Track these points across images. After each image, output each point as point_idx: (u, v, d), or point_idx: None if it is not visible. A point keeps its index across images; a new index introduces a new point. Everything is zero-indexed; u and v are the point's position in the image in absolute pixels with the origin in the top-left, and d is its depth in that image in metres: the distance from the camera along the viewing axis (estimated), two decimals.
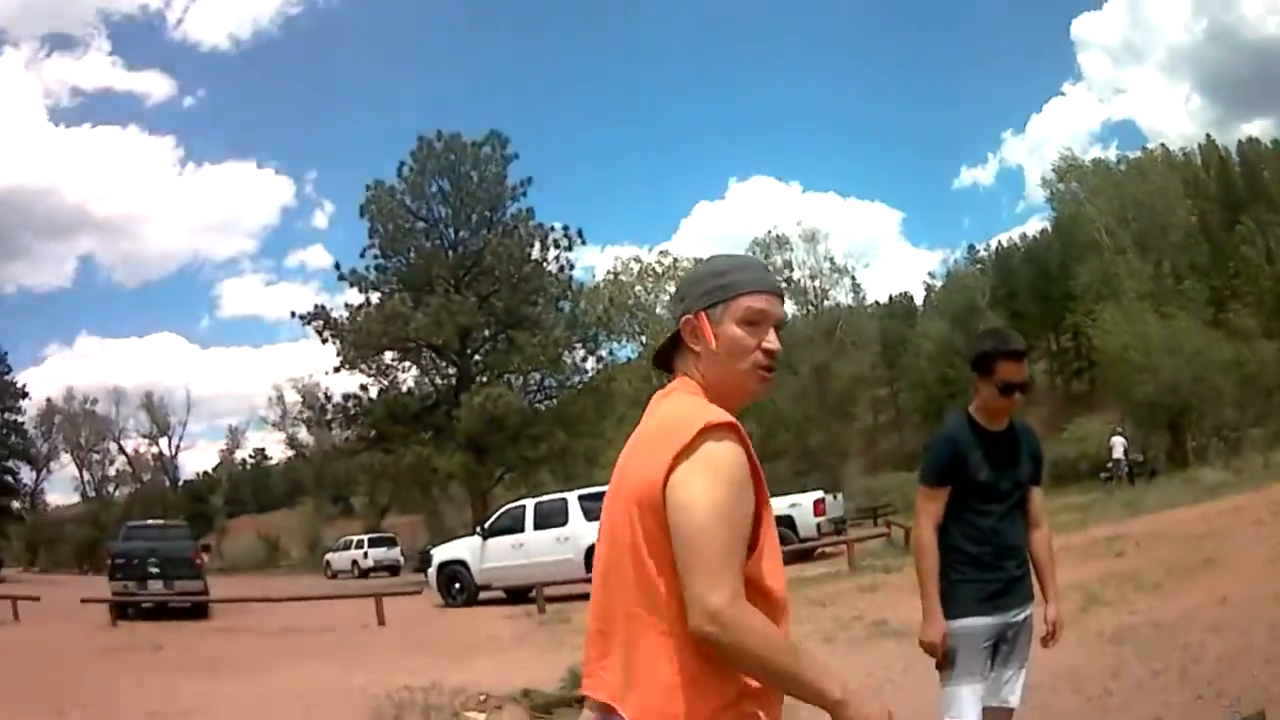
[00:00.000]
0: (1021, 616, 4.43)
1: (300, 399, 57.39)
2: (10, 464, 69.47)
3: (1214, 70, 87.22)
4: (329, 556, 55.48)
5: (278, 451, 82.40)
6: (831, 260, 62.92)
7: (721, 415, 2.16)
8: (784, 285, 60.50)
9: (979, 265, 74.25)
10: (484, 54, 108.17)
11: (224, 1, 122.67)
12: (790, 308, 62.98)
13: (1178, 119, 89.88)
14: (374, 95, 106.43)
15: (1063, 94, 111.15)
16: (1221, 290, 56.84)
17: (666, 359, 2.46)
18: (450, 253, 42.10)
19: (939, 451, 4.48)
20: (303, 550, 70.44)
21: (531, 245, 41.45)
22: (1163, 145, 65.63)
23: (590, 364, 43.39)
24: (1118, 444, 37.04)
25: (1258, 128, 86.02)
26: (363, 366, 41.96)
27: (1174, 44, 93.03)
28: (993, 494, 4.37)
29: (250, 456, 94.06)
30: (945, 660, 4.31)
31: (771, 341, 2.32)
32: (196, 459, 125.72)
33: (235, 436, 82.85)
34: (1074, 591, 10.95)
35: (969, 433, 4.44)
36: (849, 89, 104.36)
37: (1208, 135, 72.52)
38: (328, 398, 44.84)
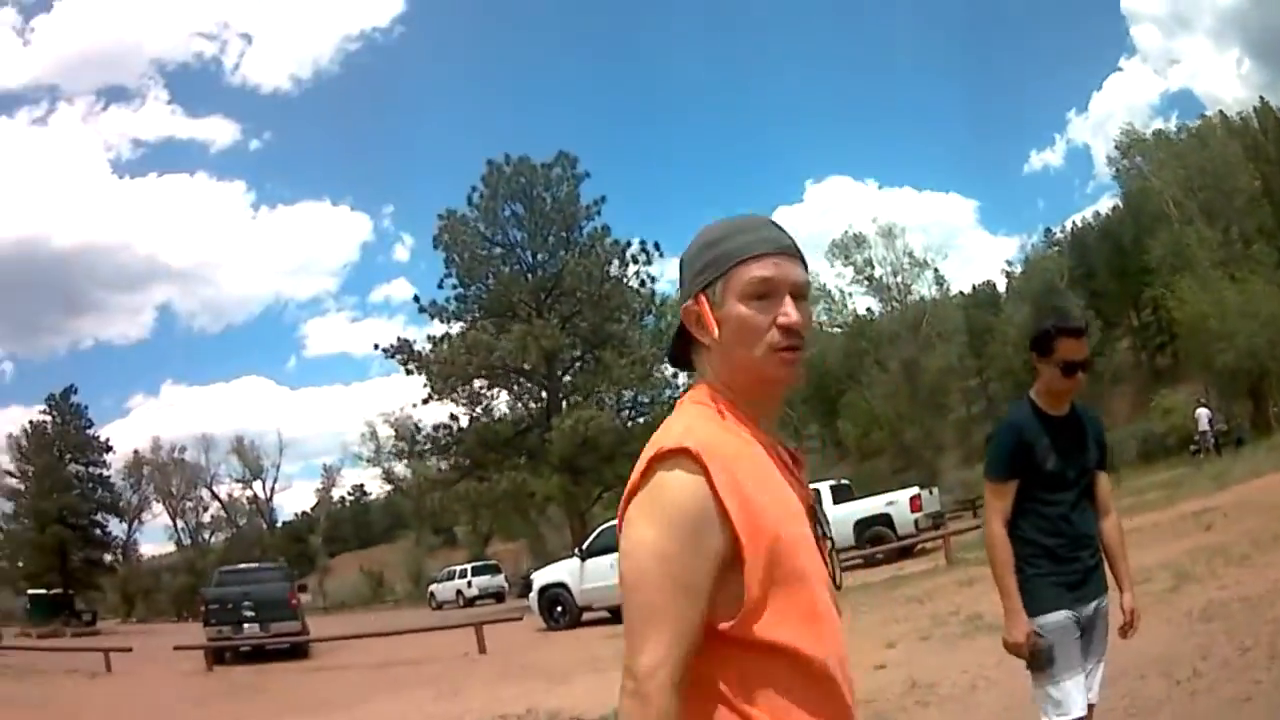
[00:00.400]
0: (1098, 607, 4.27)
1: (393, 433, 57.51)
2: (99, 517, 70.48)
3: (1261, 32, 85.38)
4: (433, 588, 55.62)
5: (376, 487, 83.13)
6: (911, 254, 62.13)
7: (679, 439, 1.74)
8: (868, 278, 61.19)
9: (1056, 247, 73.18)
10: (548, 73, 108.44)
11: (281, 43, 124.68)
12: (874, 304, 62.77)
13: (1231, 84, 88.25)
14: (441, 124, 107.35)
15: (1120, 69, 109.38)
16: None
17: (686, 357, 2.03)
18: (529, 276, 41.92)
19: (1004, 443, 4.32)
20: (407, 584, 70.88)
21: (610, 263, 41.10)
22: (1220, 112, 64.43)
23: (682, 378, 42.94)
24: (1202, 416, 36.61)
25: None
26: (453, 396, 41.89)
27: (1220, 8, 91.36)
28: (1061, 483, 4.22)
29: (349, 494, 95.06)
30: (1042, 659, 4.10)
31: (789, 314, 1.85)
32: (294, 499, 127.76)
33: (330, 475, 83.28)
34: (1164, 570, 11.09)
35: (1033, 420, 4.29)
36: (913, 84, 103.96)
37: (1262, 99, 70.84)
38: (418, 429, 44.80)
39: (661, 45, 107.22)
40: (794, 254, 1.92)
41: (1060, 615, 4.10)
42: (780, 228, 1.97)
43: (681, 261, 2.04)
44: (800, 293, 1.90)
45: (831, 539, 1.98)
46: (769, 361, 1.85)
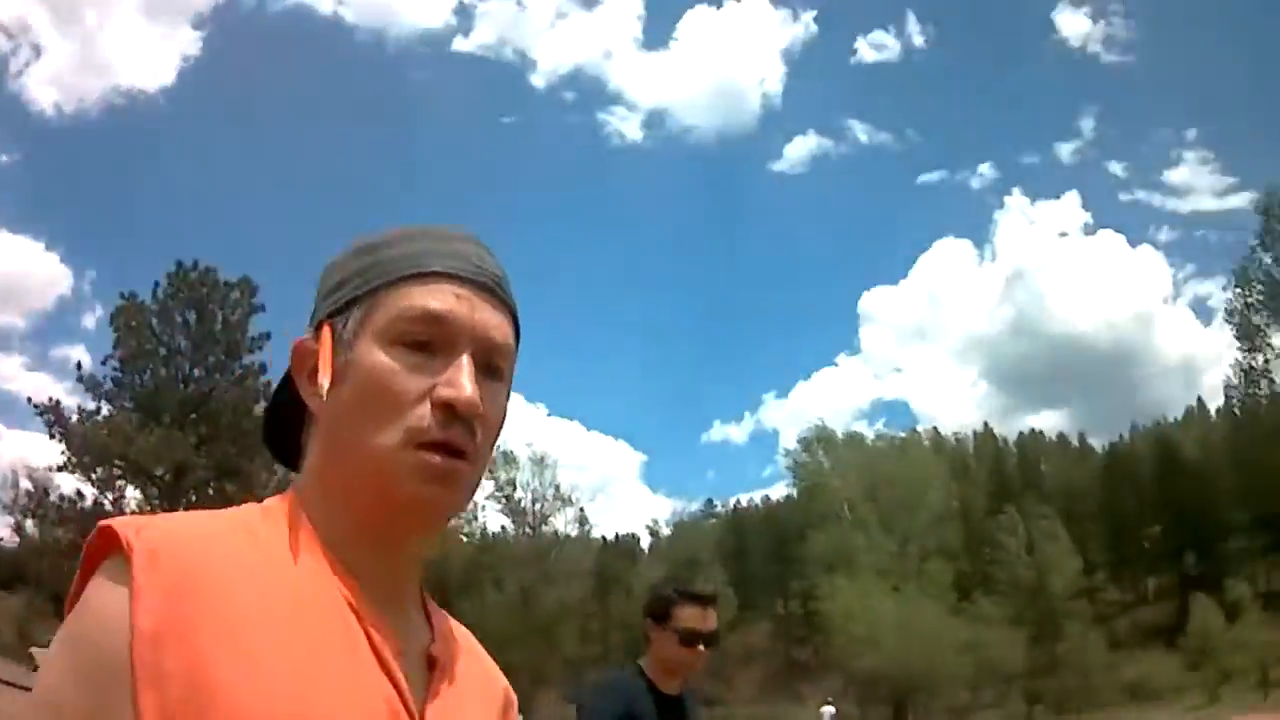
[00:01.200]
0: None
1: (30, 487, 55.78)
2: None
3: (1011, 361, 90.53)
4: None
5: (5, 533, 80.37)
6: (557, 488, 62.15)
7: (123, 521, 0.94)
8: (505, 497, 59.69)
9: (714, 519, 74.38)
10: None
11: None
12: (508, 524, 62.37)
13: (962, 404, 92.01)
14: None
15: (835, 365, 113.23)
16: (972, 575, 57.63)
17: (294, 443, 1.12)
18: (182, 386, 41.02)
19: (607, 708, 3.39)
20: None
21: (257, 401, 40.27)
22: (934, 428, 67.31)
23: None
24: (826, 714, 36.98)
25: (1045, 419, 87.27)
26: (90, 475, 40.73)
27: (973, 331, 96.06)
28: None
29: None
30: None
31: (457, 383, 0.99)
32: None
33: None
34: None
35: (644, 693, 3.40)
36: (630, 323, 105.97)
37: (985, 424, 75.02)
38: (47, 493, 43.60)
39: None
40: (494, 289, 1.08)
41: None
42: (485, 248, 1.12)
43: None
44: (491, 357, 1.05)
45: None
46: (398, 462, 0.99)
